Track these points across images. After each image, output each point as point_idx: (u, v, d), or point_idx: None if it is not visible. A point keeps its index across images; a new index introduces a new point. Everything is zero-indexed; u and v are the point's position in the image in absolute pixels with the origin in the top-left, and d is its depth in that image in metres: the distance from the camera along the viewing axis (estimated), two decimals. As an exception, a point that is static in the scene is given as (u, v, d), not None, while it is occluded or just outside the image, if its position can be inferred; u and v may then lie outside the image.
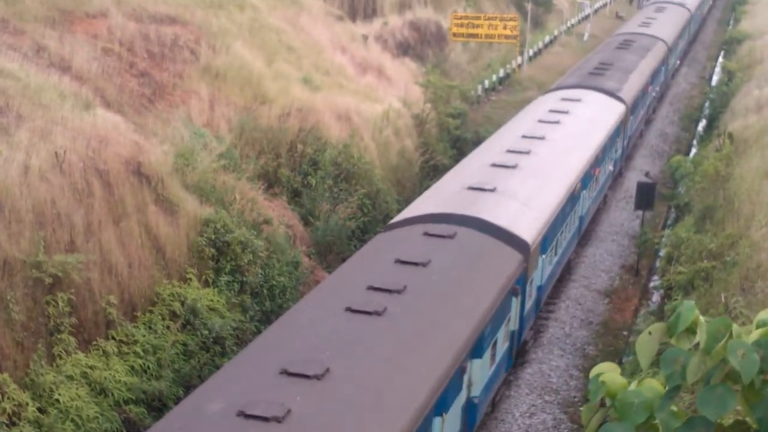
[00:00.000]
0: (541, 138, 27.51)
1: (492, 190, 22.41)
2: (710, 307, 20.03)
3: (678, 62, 61.50)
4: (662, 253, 30.01)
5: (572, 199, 25.80)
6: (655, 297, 28.35)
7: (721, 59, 67.75)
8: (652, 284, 29.34)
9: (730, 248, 23.08)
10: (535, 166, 25.08)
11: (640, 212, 31.88)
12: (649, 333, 4.18)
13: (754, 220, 23.37)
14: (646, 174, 34.33)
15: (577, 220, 27.52)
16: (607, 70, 39.90)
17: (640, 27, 55.36)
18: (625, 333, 25.53)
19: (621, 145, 36.05)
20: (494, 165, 24.64)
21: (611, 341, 25.06)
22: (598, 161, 29.59)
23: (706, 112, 49.96)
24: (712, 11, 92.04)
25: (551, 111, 31.46)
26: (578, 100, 33.39)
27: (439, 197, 22.57)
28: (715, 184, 28.19)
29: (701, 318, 3.97)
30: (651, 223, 33.00)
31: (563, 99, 33.68)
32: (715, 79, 60.22)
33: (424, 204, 22.27)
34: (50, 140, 18.55)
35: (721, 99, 46.63)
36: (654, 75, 45.39)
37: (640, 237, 31.14)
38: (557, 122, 29.84)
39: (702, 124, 49.01)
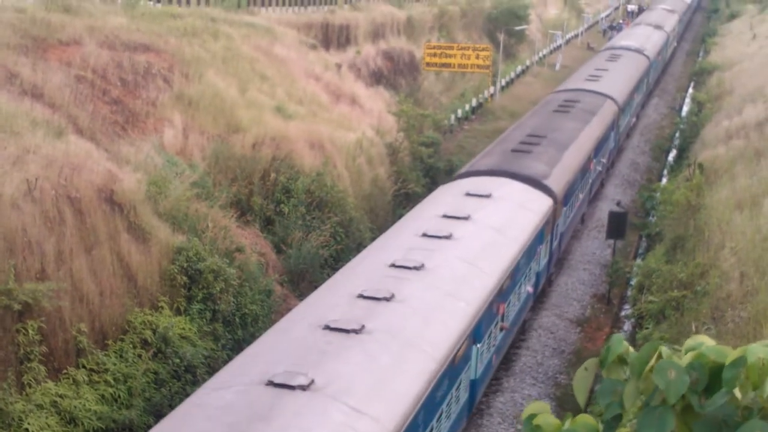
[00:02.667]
0: (416, 269, 18.60)
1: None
2: (681, 337, 20.14)
3: (634, 119, 53.45)
4: (633, 282, 30.16)
5: (452, 372, 17.20)
6: (627, 326, 28.46)
7: (691, 90, 68.45)
8: (623, 313, 29.45)
9: (701, 278, 23.24)
10: (396, 325, 16.25)
11: (611, 241, 32.05)
12: (585, 369, 4.25)
13: (723, 250, 23.56)
14: (618, 203, 34.47)
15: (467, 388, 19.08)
16: (537, 146, 31.08)
17: (587, 82, 45.89)
18: (596, 362, 25.56)
19: (547, 251, 27.41)
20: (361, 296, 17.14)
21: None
22: (503, 293, 21.11)
23: (677, 142, 50.42)
24: (680, 48, 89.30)
25: (444, 216, 22.55)
26: (487, 196, 24.49)
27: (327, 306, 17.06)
28: (686, 214, 28.41)
29: (630, 348, 4.06)
30: (622, 252, 33.19)
31: (468, 194, 24.60)
32: (685, 109, 60.80)
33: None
34: (22, 168, 18.47)
35: (691, 129, 47.11)
36: (599, 146, 37.09)
37: (611, 266, 31.29)
38: (448, 236, 20.88)
39: (672, 154, 49.41)
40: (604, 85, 44.77)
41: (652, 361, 3.90)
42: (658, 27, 74.92)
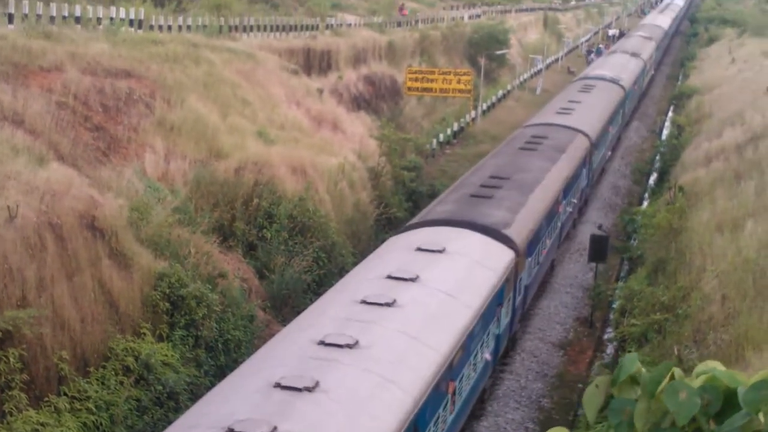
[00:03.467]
0: (348, 347, 15.77)
1: None
2: (664, 359, 20.18)
3: (609, 153, 50.37)
4: (616, 305, 30.24)
5: None
6: (610, 349, 28.51)
7: (670, 113, 68.89)
8: (606, 336, 29.51)
9: (683, 300, 23.31)
10: (316, 424, 13.45)
11: (593, 264, 32.13)
12: (596, 386, 4.25)
13: (705, 273, 23.65)
14: (599, 227, 34.50)
15: None
16: (498, 190, 28.24)
17: (558, 115, 42.87)
18: (580, 385, 25.60)
19: (508, 310, 24.34)
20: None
21: (566, 393, 25.14)
22: (454, 369, 18.41)
23: (657, 165, 50.69)
24: (658, 75, 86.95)
25: (389, 278, 19.28)
26: (440, 252, 21.47)
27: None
28: (667, 237, 28.53)
29: (643, 369, 4.06)
30: (604, 276, 33.28)
31: (418, 249, 21.58)
32: (665, 132, 61.16)
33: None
34: (3, 195, 18.40)
35: (671, 152, 47.37)
36: (569, 186, 34.04)
37: (593, 289, 31.37)
38: (390, 304, 17.58)
39: (653, 177, 49.66)
40: (575, 118, 42.04)
41: (665, 382, 3.91)
42: (634, 55, 72.46)
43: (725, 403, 3.79)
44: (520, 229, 25.31)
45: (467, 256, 22.18)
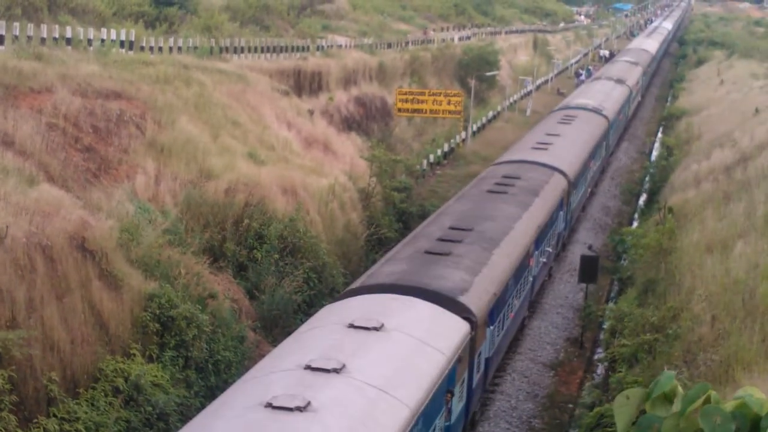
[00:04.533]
0: None
1: None
2: (653, 380, 20.17)
3: (590, 190, 46.44)
4: (606, 325, 30.28)
5: None
6: (600, 369, 28.53)
7: (660, 134, 69.19)
8: (596, 357, 29.53)
9: (672, 321, 23.36)
10: None
11: (583, 285, 32.18)
12: (627, 397, 4.27)
13: (694, 294, 23.72)
14: (590, 247, 34.57)
15: None
16: (458, 244, 24.17)
17: (534, 151, 39.10)
18: (570, 406, 25.62)
19: (462, 394, 20.35)
20: None
21: (557, 414, 25.13)
22: None
23: (647, 186, 50.87)
24: (645, 103, 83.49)
25: (308, 368, 15.08)
26: (376, 329, 17.06)
27: None
28: (657, 258, 28.60)
29: (680, 387, 4.10)
30: (594, 296, 33.33)
31: (352, 326, 17.20)
32: (654, 154, 61.42)
33: None
34: (-7, 215, 18.39)
35: (660, 173, 47.59)
36: (542, 234, 30.23)
37: (584, 310, 31.42)
38: (303, 408, 13.40)
39: (643, 198, 49.83)
40: (552, 155, 38.36)
41: (699, 402, 3.94)
42: (619, 81, 68.80)
43: (752, 429, 3.85)
44: (480, 295, 21.52)
45: (410, 335, 17.88)
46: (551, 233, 32.73)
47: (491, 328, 22.33)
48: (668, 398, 4.12)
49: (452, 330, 19.46)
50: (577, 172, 38.89)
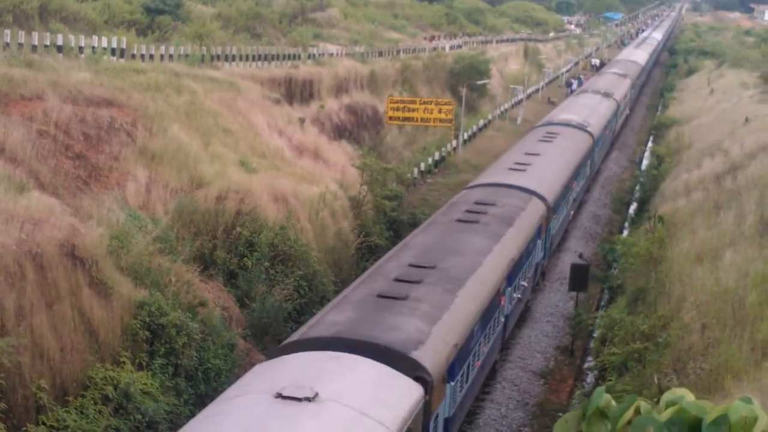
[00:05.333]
0: None
1: None
2: (644, 388, 20.22)
3: (571, 213, 42.82)
4: (596, 334, 30.31)
5: None
6: (590, 378, 28.55)
7: (650, 144, 69.36)
8: (586, 365, 29.55)
9: (662, 329, 23.41)
10: None
11: (574, 294, 32.21)
12: (566, 421, 4.22)
13: (684, 302, 23.77)
14: (580, 256, 34.54)
15: None
16: (416, 286, 20.90)
17: (511, 173, 36.09)
18: (560, 414, 25.60)
19: None
20: None
21: (547, 422, 25.12)
22: None
23: (637, 195, 50.97)
24: (633, 116, 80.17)
25: None
26: (308, 400, 14.13)
27: None
28: (647, 267, 28.66)
29: (612, 402, 4.04)
30: (585, 305, 33.37)
31: (280, 395, 14.17)
32: (644, 163, 61.56)
33: None
34: (-17, 222, 18.35)
35: (651, 182, 47.69)
36: (516, 268, 27.10)
37: (574, 318, 31.44)
38: None
39: (633, 207, 49.93)
40: (531, 177, 35.34)
41: (628, 415, 3.89)
42: (607, 95, 65.24)
43: None
44: (438, 347, 18.41)
45: (348, 406, 14.66)
46: (527, 265, 29.67)
47: (452, 384, 19.28)
48: (604, 415, 4.05)
49: (400, 396, 16.17)
50: (558, 195, 35.96)
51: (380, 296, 20.00)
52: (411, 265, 22.54)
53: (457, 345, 19.37)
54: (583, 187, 46.57)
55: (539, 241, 32.13)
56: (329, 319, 18.89)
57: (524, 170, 36.50)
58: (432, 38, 71.28)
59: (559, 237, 39.42)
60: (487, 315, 22.94)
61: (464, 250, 24.56)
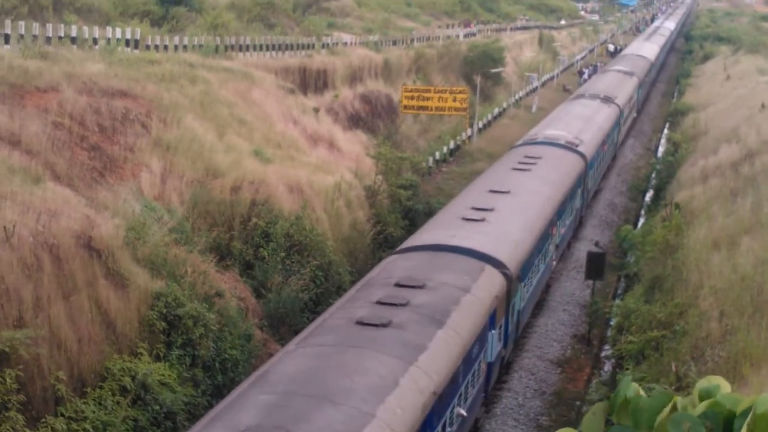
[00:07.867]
0: None
1: None
2: (661, 376, 20.17)
3: (554, 264, 33.13)
4: (613, 322, 30.21)
5: None
6: (607, 366, 28.48)
7: (666, 131, 69.02)
8: (603, 354, 29.47)
9: (680, 317, 23.32)
10: None
11: (590, 282, 32.11)
12: (593, 414, 4.18)
13: (702, 290, 23.66)
14: (596, 244, 34.38)
15: None
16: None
17: (463, 225, 25.49)
18: (578, 403, 25.56)
19: None
20: None
21: (564, 411, 25.08)
22: None
23: (653, 182, 50.77)
24: (640, 120, 70.69)
25: None
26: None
27: None
28: (664, 254, 28.54)
29: (642, 392, 4.00)
30: (601, 293, 33.26)
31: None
32: (660, 150, 61.28)
33: None
34: (-1, 215, 18.40)
35: (667, 170, 47.47)
36: (447, 391, 17.26)
37: (590, 306, 31.35)
38: None
39: (649, 195, 49.73)
40: (489, 232, 25.01)
41: (665, 412, 3.84)
42: (606, 100, 55.19)
43: (726, 428, 3.75)
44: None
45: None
46: (470, 374, 19.56)
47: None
48: (632, 405, 4.00)
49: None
50: (526, 256, 25.55)
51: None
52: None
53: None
54: (570, 225, 36.70)
55: (491, 333, 21.55)
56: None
57: (482, 220, 26.01)
58: (467, 24, 70.68)
59: (531, 310, 29.02)
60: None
61: (366, 370, 15.47)
